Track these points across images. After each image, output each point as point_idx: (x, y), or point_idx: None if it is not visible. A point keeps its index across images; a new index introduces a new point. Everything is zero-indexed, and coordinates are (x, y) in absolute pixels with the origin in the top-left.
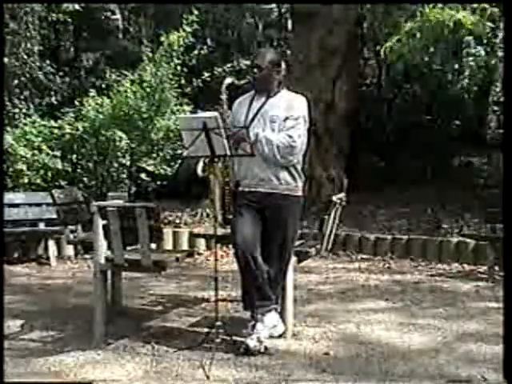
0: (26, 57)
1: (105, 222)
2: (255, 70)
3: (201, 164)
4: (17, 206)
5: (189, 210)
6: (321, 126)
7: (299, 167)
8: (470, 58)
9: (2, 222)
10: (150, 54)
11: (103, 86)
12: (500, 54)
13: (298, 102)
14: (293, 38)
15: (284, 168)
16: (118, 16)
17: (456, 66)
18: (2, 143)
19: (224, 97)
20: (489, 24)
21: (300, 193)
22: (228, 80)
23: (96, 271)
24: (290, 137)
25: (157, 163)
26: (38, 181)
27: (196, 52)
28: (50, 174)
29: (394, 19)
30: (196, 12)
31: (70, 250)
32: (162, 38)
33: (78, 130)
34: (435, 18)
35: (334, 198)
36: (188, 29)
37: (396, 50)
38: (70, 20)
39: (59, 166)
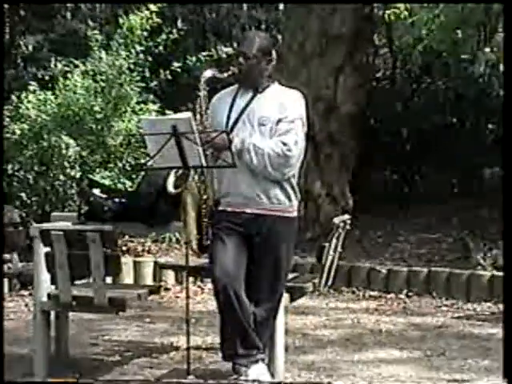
0: None
1: (48, 249)
2: (240, 59)
3: (172, 178)
4: None
5: (154, 234)
6: (320, 131)
7: (295, 182)
8: None
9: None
10: (105, 40)
11: (46, 78)
12: None
13: (293, 100)
14: (285, 21)
15: (276, 183)
16: None
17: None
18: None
19: (202, 93)
20: None
21: (295, 214)
22: (208, 72)
23: (36, 312)
24: (285, 144)
25: (114, 176)
26: None
27: (163, 37)
28: None
29: None
30: None
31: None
32: (121, 20)
33: (14, 133)
34: None
35: (337, 221)
36: (153, 7)
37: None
38: None
39: None
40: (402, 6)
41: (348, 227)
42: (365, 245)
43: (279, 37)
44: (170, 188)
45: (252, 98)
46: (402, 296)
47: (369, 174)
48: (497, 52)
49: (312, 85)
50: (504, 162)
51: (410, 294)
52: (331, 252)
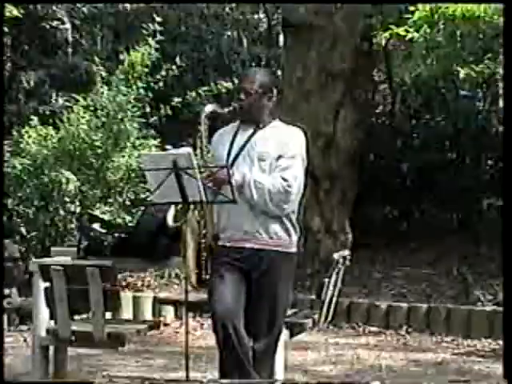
0: None
1: (47, 284)
2: (241, 96)
3: (172, 212)
4: None
5: (154, 269)
6: (320, 167)
7: (294, 218)
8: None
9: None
10: (106, 75)
11: (47, 113)
12: None
13: (293, 137)
14: (285, 57)
15: (276, 219)
16: (68, 26)
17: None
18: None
19: (203, 128)
20: None
21: (294, 249)
22: (209, 107)
23: (35, 347)
24: (285, 180)
25: (114, 211)
26: None
27: (164, 72)
28: None
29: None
30: (158, 19)
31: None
32: (122, 56)
33: (14, 167)
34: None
35: (336, 256)
36: (153, 43)
37: (409, 67)
38: (6, 29)
39: None
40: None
41: (348, 263)
42: (364, 280)
43: (279, 73)
44: (170, 222)
45: (253, 134)
46: (402, 332)
47: (368, 210)
48: (495, 88)
49: (312, 120)
50: (504, 191)
51: (410, 329)
52: (331, 287)
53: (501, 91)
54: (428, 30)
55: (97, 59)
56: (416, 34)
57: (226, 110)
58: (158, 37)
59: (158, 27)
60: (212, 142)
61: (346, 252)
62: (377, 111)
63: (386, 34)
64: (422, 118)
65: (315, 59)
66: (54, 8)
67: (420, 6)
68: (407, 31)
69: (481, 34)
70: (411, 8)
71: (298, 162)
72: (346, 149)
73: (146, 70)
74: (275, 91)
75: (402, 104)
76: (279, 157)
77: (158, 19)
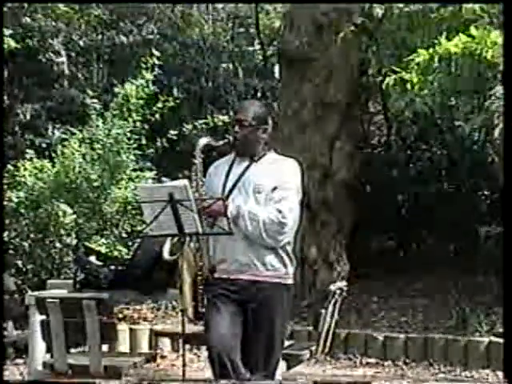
0: None
1: (43, 317)
2: (236, 128)
3: (168, 245)
4: None
5: (150, 301)
6: (316, 198)
7: (290, 249)
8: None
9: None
10: (101, 107)
11: (44, 145)
12: None
13: (288, 168)
14: (281, 88)
15: (271, 250)
16: (64, 59)
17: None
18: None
19: (198, 161)
20: None
21: (290, 281)
22: (203, 140)
23: (31, 380)
24: (280, 211)
25: (110, 243)
26: None
27: (160, 105)
28: None
29: (406, 64)
30: (157, 53)
31: None
32: (117, 89)
33: (10, 200)
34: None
35: (333, 288)
36: (149, 75)
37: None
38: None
39: None
40: (407, 75)
41: (345, 294)
42: (362, 311)
43: (275, 104)
44: (166, 255)
45: (248, 167)
46: (400, 363)
47: (365, 240)
48: (491, 119)
49: (307, 152)
50: (504, 220)
51: (408, 360)
52: (328, 319)
53: (495, 121)
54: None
55: (90, 92)
56: (415, 79)
57: (221, 142)
58: (156, 70)
59: (156, 61)
60: (207, 174)
61: (343, 283)
62: (372, 142)
63: (389, 80)
64: (417, 149)
65: (310, 91)
66: (51, 41)
67: (420, 51)
68: (405, 71)
69: (479, 72)
70: (410, 54)
71: (293, 194)
72: (343, 179)
73: (141, 102)
74: (270, 123)
75: (397, 135)
76: (274, 188)
77: (157, 53)
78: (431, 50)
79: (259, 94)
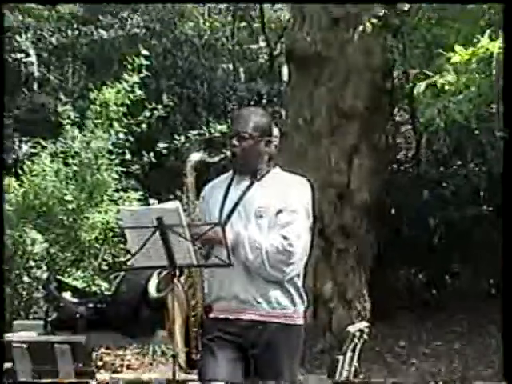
0: None
1: (9, 364)
2: (234, 141)
3: (154, 279)
4: None
5: (135, 346)
6: (332, 223)
7: (300, 283)
8: None
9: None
10: (77, 116)
11: (9, 161)
12: None
13: (296, 188)
14: (290, 93)
15: (277, 284)
16: (33, 59)
17: None
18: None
19: (190, 180)
20: None
21: (301, 321)
22: (196, 156)
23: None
24: (286, 238)
25: (88, 277)
26: None
27: (147, 113)
28: None
29: (439, 66)
30: (144, 52)
31: None
32: (93, 94)
33: None
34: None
35: (352, 329)
36: (134, 78)
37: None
38: None
39: None
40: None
41: (365, 337)
42: (386, 358)
43: (282, 112)
44: (153, 291)
45: (249, 187)
46: None
47: (390, 273)
48: None
49: (321, 169)
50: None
51: None
52: (346, 366)
53: None
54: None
55: (64, 98)
56: (452, 79)
57: (217, 158)
58: (143, 72)
59: (143, 61)
60: (201, 196)
61: (364, 324)
62: (398, 157)
63: (419, 86)
64: (452, 165)
65: (325, 96)
66: (18, 38)
67: (458, 48)
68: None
69: None
70: (446, 53)
71: (301, 217)
72: (363, 201)
73: (123, 109)
74: (276, 134)
75: (428, 148)
76: (280, 211)
77: (144, 52)
78: (470, 50)
79: (264, 101)
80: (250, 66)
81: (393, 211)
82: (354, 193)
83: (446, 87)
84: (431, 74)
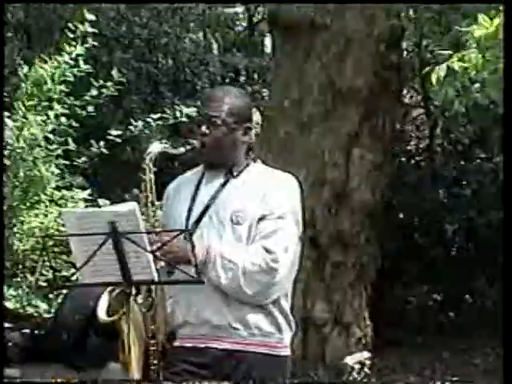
0: None
1: None
2: (203, 128)
3: (105, 299)
4: None
5: (82, 380)
6: (326, 230)
7: (286, 304)
8: None
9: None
10: (8, 96)
11: None
12: None
13: (282, 187)
14: (274, 69)
15: (258, 307)
16: None
17: None
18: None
19: (149, 177)
20: None
21: (287, 351)
22: (156, 147)
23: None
24: (270, 251)
25: (22, 295)
26: None
27: (94, 92)
28: None
29: (456, 36)
30: (90, 16)
31: None
32: (25, 70)
33: None
34: None
35: (350, 361)
36: (78, 49)
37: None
38: None
39: None
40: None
41: (367, 370)
42: None
43: (265, 92)
44: (102, 314)
45: (223, 185)
46: None
47: (397, 292)
48: None
49: (313, 162)
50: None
51: None
52: None
53: None
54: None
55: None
56: (475, 58)
57: (182, 149)
58: (89, 41)
59: (88, 28)
60: (164, 196)
61: (365, 354)
62: (408, 148)
63: (443, 67)
64: (474, 158)
65: (318, 73)
66: None
67: (484, 21)
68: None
69: None
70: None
71: (288, 224)
72: (364, 203)
73: (60, 87)
74: (256, 120)
75: (445, 137)
76: (261, 218)
77: (90, 16)
78: (496, 21)
79: (242, 78)
80: (225, 35)
81: (401, 215)
82: (352, 192)
83: (473, 60)
84: (445, 51)
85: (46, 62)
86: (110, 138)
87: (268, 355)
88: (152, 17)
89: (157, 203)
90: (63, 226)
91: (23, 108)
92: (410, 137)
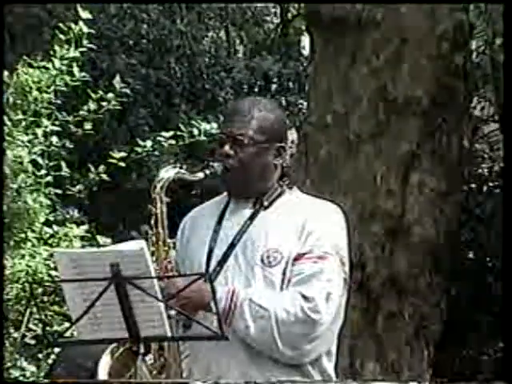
0: None
1: None
2: (227, 148)
3: (106, 360)
4: None
5: None
6: (377, 273)
7: (328, 366)
8: None
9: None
10: None
11: None
12: None
13: (324, 221)
14: (313, 76)
15: (294, 367)
16: None
17: None
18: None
19: (160, 209)
20: None
21: None
22: (169, 172)
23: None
24: (308, 299)
25: (6, 355)
26: None
27: (93, 106)
28: None
29: None
30: (86, 15)
31: None
32: (5, 75)
33: None
34: None
35: None
36: (72, 52)
37: None
38: None
39: None
40: None
41: None
42: None
43: (303, 104)
44: (103, 377)
45: (251, 218)
46: None
47: (468, 349)
48: None
49: (361, 191)
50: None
51: None
52: None
53: None
54: None
55: None
56: None
57: (201, 174)
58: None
59: (84, 28)
60: (179, 231)
61: None
62: (479, 171)
63: None
64: None
65: (367, 80)
66: None
67: None
68: None
69: None
70: None
71: (331, 266)
72: (425, 239)
73: (52, 98)
74: (291, 138)
75: None
76: (299, 257)
77: (86, 14)
78: None
79: (274, 87)
80: (253, 35)
81: (470, 254)
82: (410, 226)
83: None
84: None
85: (31, 65)
86: (112, 161)
87: None
88: (162, 12)
89: (169, 241)
90: (55, 269)
91: (9, 123)
92: (481, 158)
